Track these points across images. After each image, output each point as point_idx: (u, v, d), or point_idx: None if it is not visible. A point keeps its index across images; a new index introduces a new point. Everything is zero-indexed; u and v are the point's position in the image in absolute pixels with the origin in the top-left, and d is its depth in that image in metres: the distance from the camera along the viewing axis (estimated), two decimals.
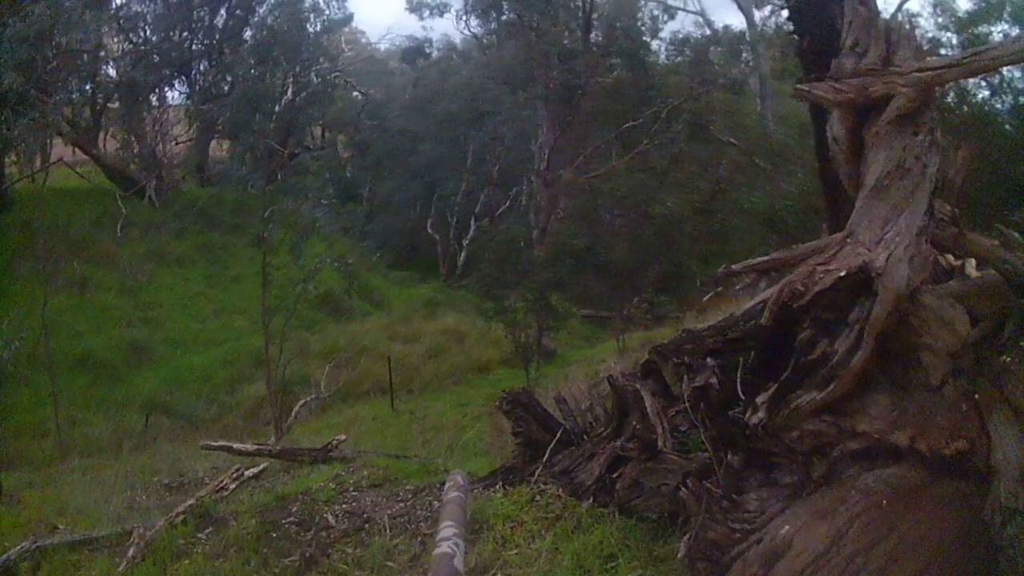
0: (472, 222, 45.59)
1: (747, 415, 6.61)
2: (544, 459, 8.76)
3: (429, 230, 47.03)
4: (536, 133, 42.12)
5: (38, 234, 25.69)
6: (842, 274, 6.26)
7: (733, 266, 7.54)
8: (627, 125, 40.10)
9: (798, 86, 7.40)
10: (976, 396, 5.86)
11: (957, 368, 6.01)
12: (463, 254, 44.67)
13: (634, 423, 7.72)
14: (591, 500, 7.84)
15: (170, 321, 31.62)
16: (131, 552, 9.18)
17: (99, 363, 26.92)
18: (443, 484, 9.46)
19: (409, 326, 31.88)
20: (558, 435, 8.87)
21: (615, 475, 7.74)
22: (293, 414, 21.08)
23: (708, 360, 7.30)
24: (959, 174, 7.71)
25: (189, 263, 37.02)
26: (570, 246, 30.61)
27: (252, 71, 38.24)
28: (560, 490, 8.21)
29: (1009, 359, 5.78)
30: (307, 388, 24.00)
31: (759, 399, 6.52)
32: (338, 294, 34.17)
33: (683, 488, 6.56)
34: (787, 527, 5.94)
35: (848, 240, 6.66)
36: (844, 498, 5.91)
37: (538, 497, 8.21)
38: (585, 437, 8.83)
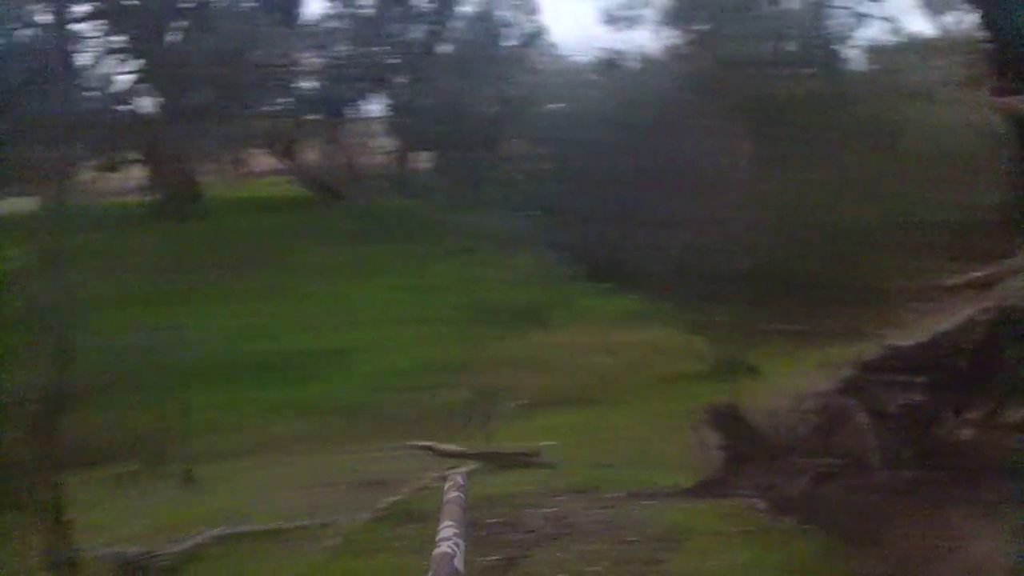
0: (670, 234, 45.39)
1: (956, 432, 6.48)
2: (748, 472, 8.68)
3: (628, 242, 46.94)
4: (730, 144, 41.77)
5: (235, 241, 26.37)
6: None
7: (947, 281, 7.39)
8: (819, 135, 39.34)
9: (996, 99, 7.22)
10: None
11: None
12: (662, 265, 44.46)
13: (842, 439, 7.62)
14: (794, 515, 7.76)
15: (369, 327, 32.04)
16: (329, 543, 9.37)
17: (297, 365, 27.50)
18: (646, 493, 9.48)
19: (609, 337, 31.73)
20: (764, 449, 8.77)
21: (820, 491, 7.64)
22: (493, 419, 21.25)
23: (915, 377, 7.16)
24: None
25: (388, 272, 37.54)
26: (769, 259, 30.18)
27: (451, 85, 38.81)
28: (764, 504, 8.15)
29: None
30: (507, 395, 24.13)
31: (969, 416, 6.39)
32: (538, 304, 34.32)
33: (889, 503, 6.47)
34: (987, 544, 5.87)
35: None
36: None
37: (741, 510, 8.14)
38: (790, 452, 8.70)
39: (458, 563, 5.59)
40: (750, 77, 39.18)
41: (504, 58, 44.66)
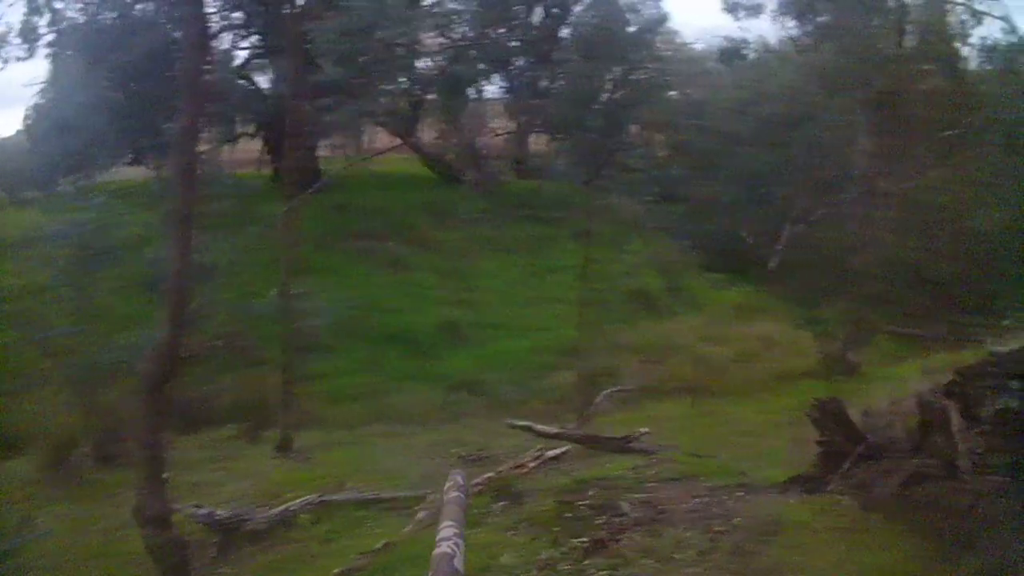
0: (788, 227, 44.96)
1: None
2: (844, 470, 8.69)
3: (744, 233, 46.57)
4: (855, 139, 41.18)
5: (357, 216, 26.72)
6: None
7: None
8: (944, 134, 38.67)
9: None
10: None
11: None
12: (778, 259, 44.09)
13: (936, 441, 7.64)
14: (885, 514, 7.76)
15: (486, 305, 32.23)
16: (421, 515, 9.55)
17: (413, 339, 27.80)
18: (740, 485, 9.52)
19: (719, 328, 31.52)
20: (860, 448, 8.78)
21: (912, 492, 7.66)
22: (596, 404, 21.26)
23: (1012, 383, 7.16)
24: None
25: (508, 252, 37.64)
26: (888, 259, 29.68)
27: (577, 67, 38.75)
28: (856, 502, 8.15)
29: None
30: (613, 380, 24.10)
31: None
32: (653, 291, 34.24)
33: (981, 508, 6.50)
34: None
35: None
36: None
37: (833, 507, 8.17)
38: (885, 452, 8.69)
39: (458, 563, 5.65)
40: (875, 72, 38.61)
41: (627, 42, 44.45)
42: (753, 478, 9.97)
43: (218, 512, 10.92)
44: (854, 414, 9.64)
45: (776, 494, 8.99)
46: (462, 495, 7.57)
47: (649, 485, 10.15)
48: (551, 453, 11.92)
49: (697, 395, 22.82)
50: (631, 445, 13.10)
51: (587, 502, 9.54)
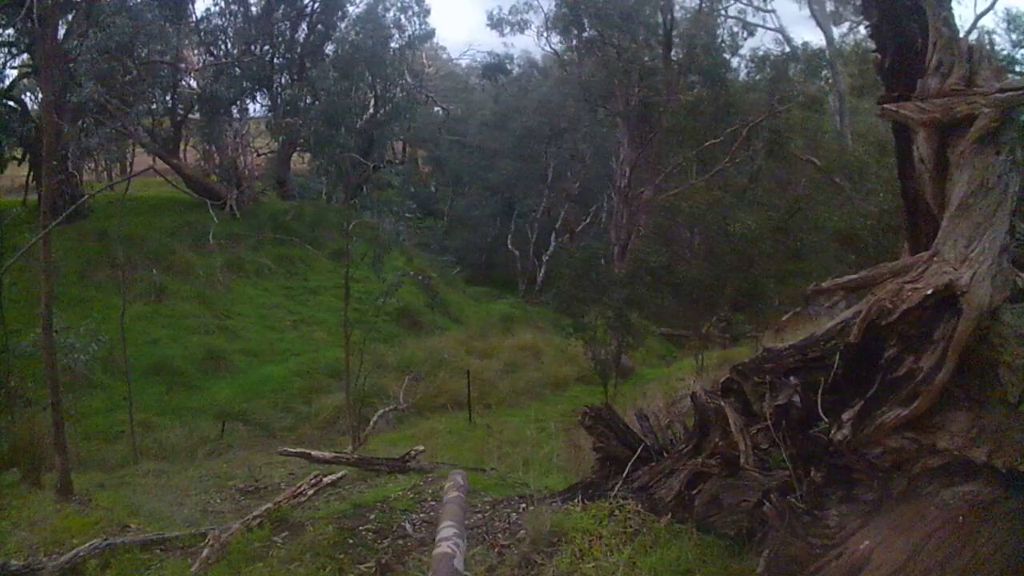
0: (551, 238, 45.67)
1: (832, 432, 6.63)
2: (624, 475, 8.73)
3: (509, 246, 47.13)
4: (616, 150, 42.14)
5: (116, 242, 26.10)
6: (929, 292, 6.26)
7: (823, 284, 7.51)
8: (707, 143, 40.04)
9: (885, 106, 7.35)
10: None
11: None
12: (542, 270, 44.78)
13: (716, 440, 7.76)
14: (669, 516, 7.87)
15: (248, 331, 31.87)
16: (205, 553, 9.26)
17: (175, 371, 27.26)
18: (521, 497, 9.48)
19: (486, 341, 31.91)
20: (638, 451, 8.84)
21: (694, 491, 7.79)
22: (371, 425, 21.13)
23: (789, 379, 7.28)
24: None
25: (268, 275, 37.37)
26: (649, 264, 30.45)
27: (334, 85, 38.59)
28: (639, 506, 8.21)
29: None
30: (384, 400, 24.04)
31: (845, 416, 6.54)
32: (417, 308, 34.37)
33: (765, 503, 6.63)
34: (866, 542, 6.11)
35: (934, 259, 6.64)
36: (922, 513, 6.04)
37: (616, 512, 8.18)
38: (665, 454, 8.82)
39: (458, 563, 5.60)
40: (637, 85, 39.69)
41: (391, 59, 44.47)
42: (533, 488, 9.93)
43: (12, 563, 10.41)
44: (628, 418, 9.72)
45: (558, 503, 8.97)
46: (462, 495, 7.42)
47: (429, 504, 10.07)
48: (328, 479, 11.66)
49: (469, 408, 22.94)
50: (407, 465, 13.05)
51: (369, 526, 9.41)
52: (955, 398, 6.28)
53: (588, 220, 47.02)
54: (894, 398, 6.31)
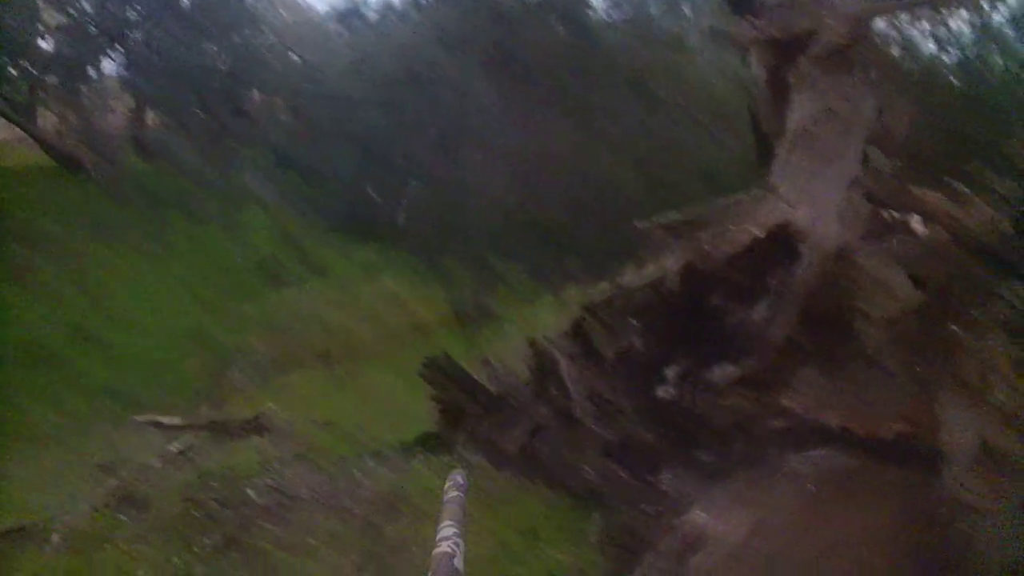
0: (411, 184, 45.44)
1: (667, 389, 6.37)
2: (467, 427, 8.60)
3: (370, 191, 46.76)
4: (475, 95, 41.94)
5: None
6: (759, 234, 5.98)
7: (637, 223, 7.20)
8: (566, 85, 39.90)
9: (712, 25, 7.15)
10: (919, 370, 5.58)
11: (896, 337, 5.72)
12: (403, 216, 44.52)
13: (551, 389, 7.56)
14: (515, 470, 7.71)
15: (112, 300, 31.16)
16: (55, 540, 9.05)
17: (41, 348, 26.61)
18: (369, 454, 9.37)
19: (348, 291, 31.63)
20: (480, 402, 8.70)
21: (535, 445, 7.62)
22: (230, 383, 20.88)
23: (631, 320, 7.05)
24: (903, 127, 7.06)
25: (129, 239, 36.58)
26: (507, 205, 30.44)
27: (189, 38, 37.62)
28: (486, 460, 8.08)
29: (958, 329, 5.53)
30: (244, 358, 23.77)
31: (668, 372, 6.28)
32: (276, 260, 33.98)
33: (584, 467, 6.43)
34: (704, 515, 5.76)
35: (768, 195, 6.29)
36: (768, 483, 5.71)
37: (459, 467, 8.10)
38: (509, 403, 8.51)
39: (458, 563, 5.45)
40: (495, 27, 39.45)
41: (245, 9, 43.63)
42: (382, 443, 9.82)
43: None
44: (473, 366, 9.59)
45: (402, 460, 8.87)
46: (462, 495, 7.21)
47: (275, 468, 9.84)
48: (173, 447, 11.46)
49: (329, 361, 22.83)
50: (262, 423, 12.82)
51: (214, 496, 9.17)
52: (805, 354, 5.96)
53: (449, 165, 46.87)
54: (725, 353, 6.05)
